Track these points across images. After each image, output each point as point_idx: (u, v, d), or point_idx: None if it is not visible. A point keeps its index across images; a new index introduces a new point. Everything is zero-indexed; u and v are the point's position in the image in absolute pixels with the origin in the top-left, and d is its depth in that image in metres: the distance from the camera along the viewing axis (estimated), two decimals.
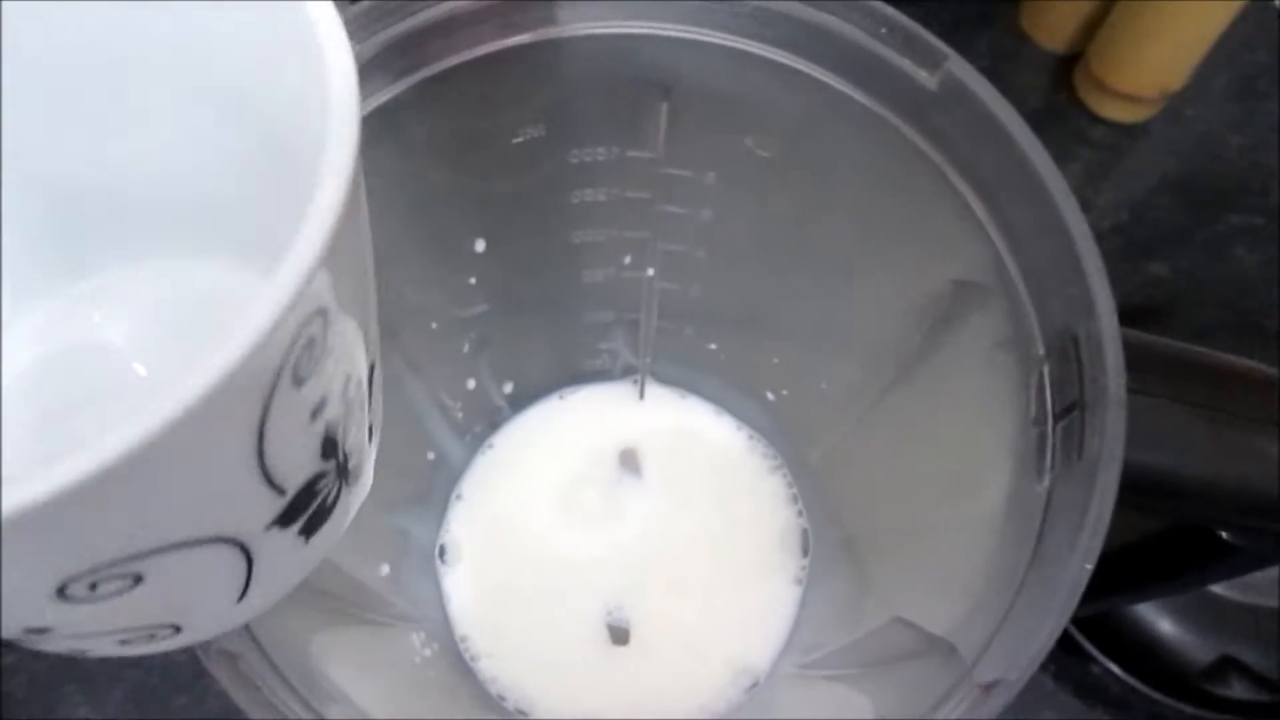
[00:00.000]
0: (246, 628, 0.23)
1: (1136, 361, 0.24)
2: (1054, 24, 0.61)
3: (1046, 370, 0.26)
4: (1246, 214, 0.57)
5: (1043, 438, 0.26)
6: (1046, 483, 0.25)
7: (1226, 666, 0.45)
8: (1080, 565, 0.21)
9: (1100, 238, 0.25)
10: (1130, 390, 0.23)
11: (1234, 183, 0.58)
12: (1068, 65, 0.61)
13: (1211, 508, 0.26)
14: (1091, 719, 0.48)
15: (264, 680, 0.22)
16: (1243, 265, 0.56)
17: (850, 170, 0.31)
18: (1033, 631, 0.22)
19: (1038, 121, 0.26)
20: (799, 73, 0.29)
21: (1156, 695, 0.46)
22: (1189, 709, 0.46)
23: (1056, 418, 0.25)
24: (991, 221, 0.28)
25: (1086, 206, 0.56)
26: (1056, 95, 0.61)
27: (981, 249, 0.28)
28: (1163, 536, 0.31)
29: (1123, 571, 0.23)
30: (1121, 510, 0.23)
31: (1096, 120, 0.60)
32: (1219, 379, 0.26)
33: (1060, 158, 0.26)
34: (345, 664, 0.29)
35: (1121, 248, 0.56)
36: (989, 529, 0.28)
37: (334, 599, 0.31)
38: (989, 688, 0.21)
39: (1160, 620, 0.47)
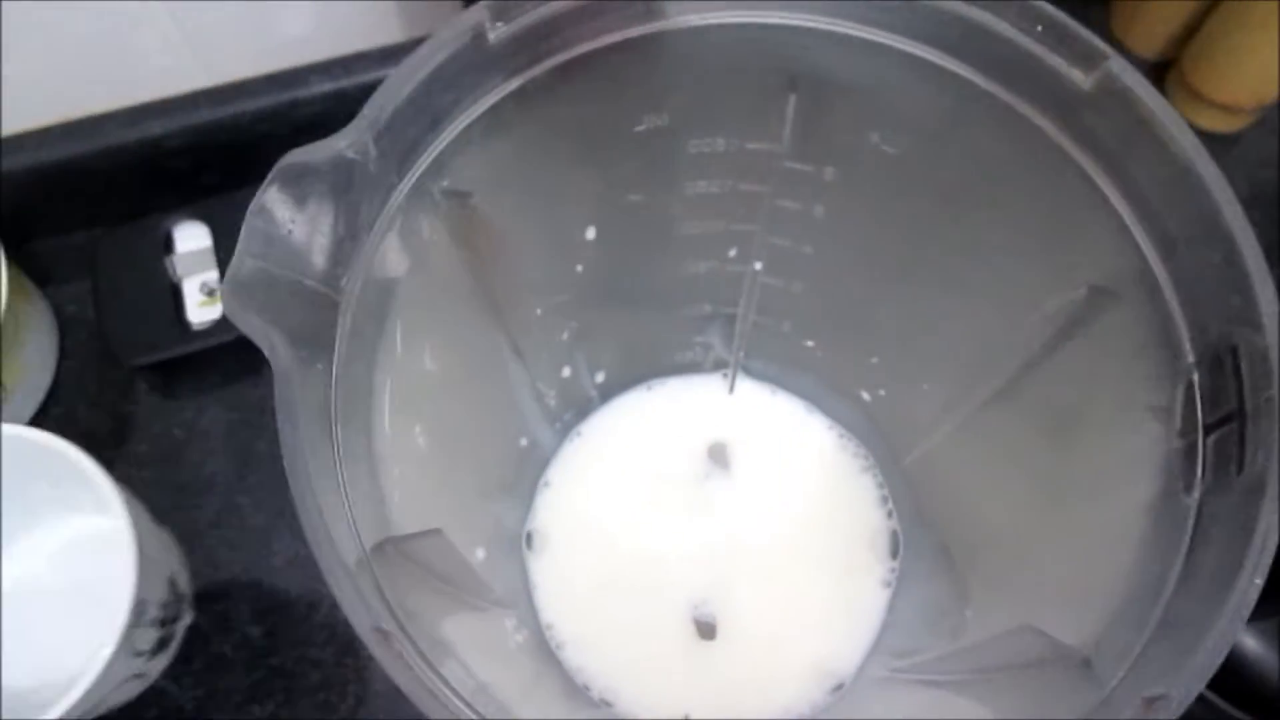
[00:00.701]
0: (385, 600, 0.23)
1: None
2: (1146, 30, 0.60)
3: (1196, 379, 0.26)
4: None
5: (1191, 449, 0.25)
6: (1196, 495, 0.25)
7: None
8: (1249, 580, 0.21)
9: None
10: None
11: None
12: (1159, 72, 0.60)
13: None
14: None
15: (414, 658, 0.22)
16: None
17: (983, 172, 0.31)
18: (1192, 646, 0.21)
19: None
20: (938, 68, 0.29)
21: (1239, 715, 0.45)
22: None
23: (1208, 429, 0.25)
24: (1139, 225, 0.27)
25: None
26: None
27: (1124, 255, 0.27)
28: None
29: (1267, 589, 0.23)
30: None
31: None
32: None
33: None
34: (457, 646, 0.29)
35: None
36: (1124, 542, 0.27)
37: (445, 583, 0.31)
38: (1152, 702, 0.21)
39: (1245, 637, 0.46)
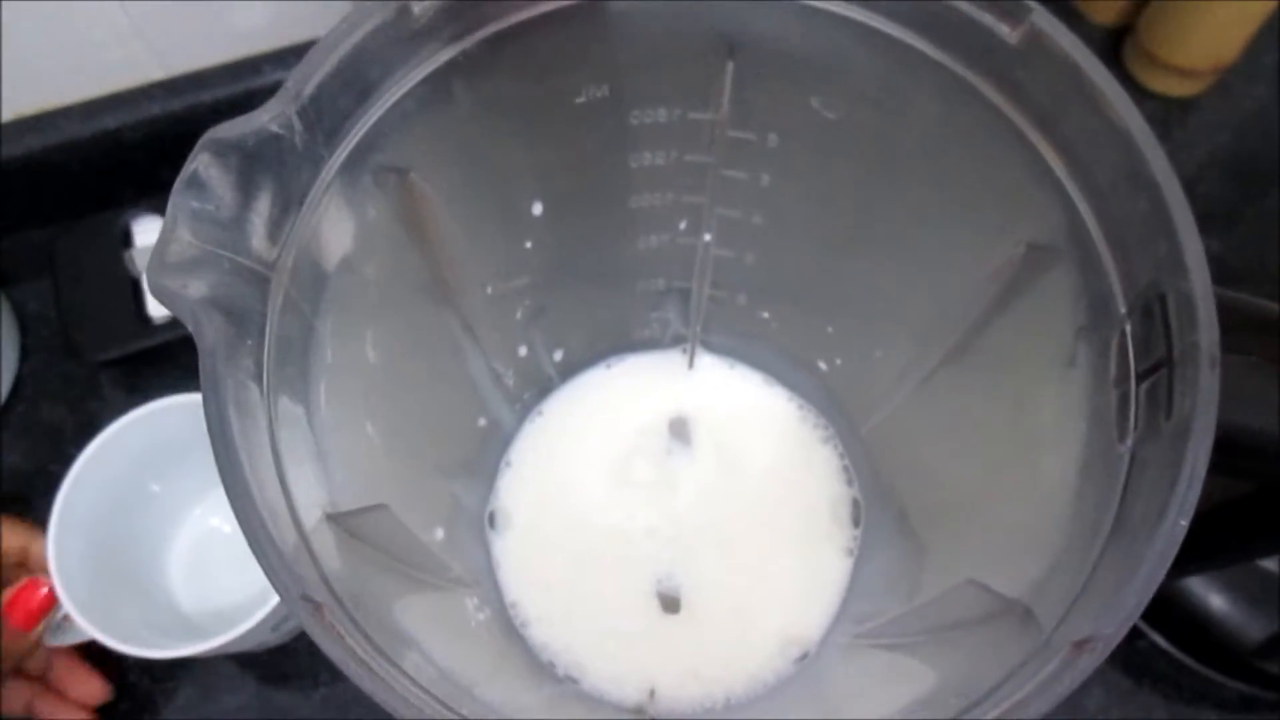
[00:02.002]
0: (323, 577, 0.23)
1: (1224, 320, 0.23)
2: None
3: (1128, 329, 0.26)
4: None
5: (1125, 398, 0.25)
6: (1129, 443, 0.25)
7: (1279, 643, 0.45)
8: (1175, 521, 0.21)
9: None
10: (1220, 350, 0.23)
11: None
12: (1117, 38, 0.60)
13: None
14: (1140, 695, 0.48)
15: (346, 629, 0.22)
16: None
17: (920, 131, 0.31)
18: (1123, 589, 0.22)
19: None
20: (873, 30, 0.29)
21: (1206, 672, 0.45)
22: (1240, 686, 0.45)
23: (1140, 377, 0.25)
24: (1071, 180, 0.27)
25: None
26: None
27: (1059, 209, 0.27)
28: (1244, 502, 0.31)
29: (1203, 537, 0.23)
30: (1209, 471, 0.22)
31: (1146, 94, 0.59)
32: None
33: None
34: (408, 623, 0.29)
35: None
36: (1062, 492, 0.27)
37: (396, 560, 0.31)
38: (1081, 645, 0.21)
39: (1211, 595, 0.46)
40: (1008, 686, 0.23)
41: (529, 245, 0.37)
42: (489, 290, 0.37)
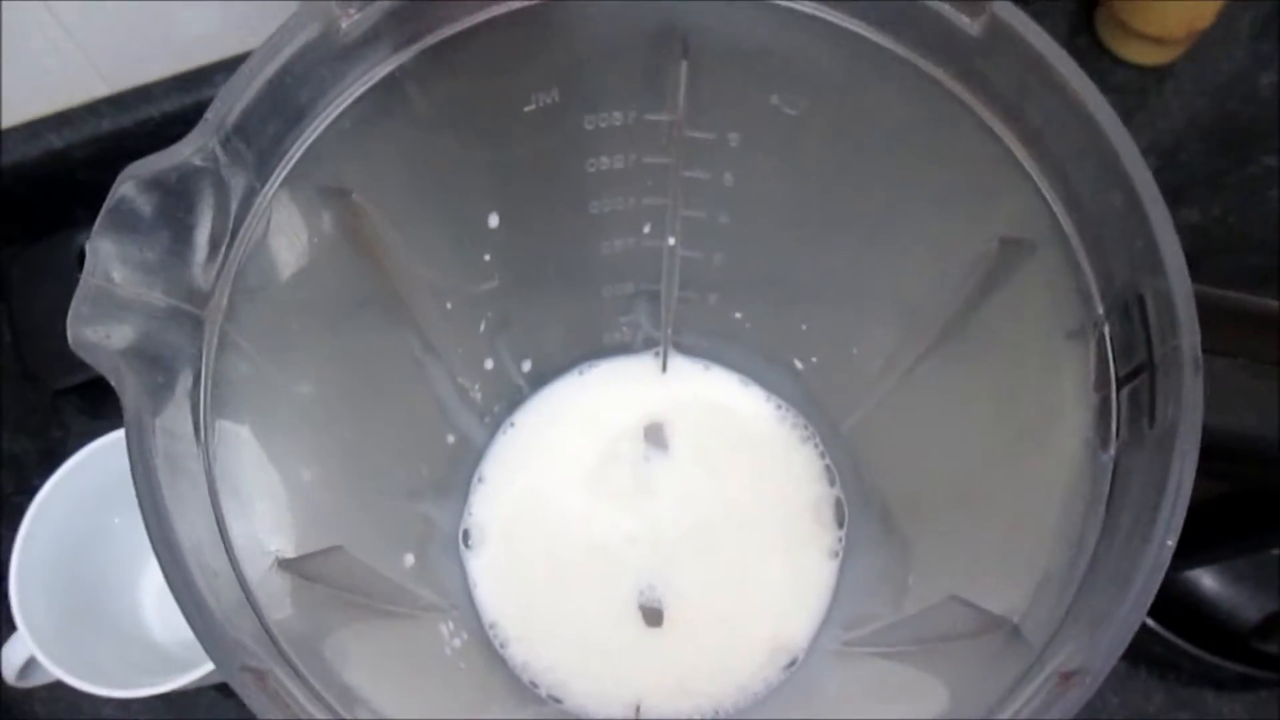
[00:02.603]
0: (268, 633, 0.22)
1: (1205, 318, 0.22)
2: None
3: (1107, 331, 0.25)
4: (1279, 154, 0.55)
5: (1106, 403, 0.24)
6: (1113, 451, 0.24)
7: (1276, 624, 0.44)
8: (1162, 542, 0.20)
9: None
10: (1203, 350, 0.22)
11: (1266, 123, 0.56)
12: (1089, 7, 0.59)
13: None
14: (1138, 680, 0.47)
15: (292, 694, 0.20)
16: (1276, 207, 0.55)
17: (884, 126, 0.30)
18: (1112, 614, 0.21)
19: None
20: (828, 23, 0.28)
21: (1204, 655, 0.45)
22: (1236, 667, 0.44)
23: (1121, 382, 0.24)
24: (1041, 173, 0.26)
25: None
26: (1077, 39, 0.59)
27: (1031, 203, 0.26)
28: (1230, 500, 0.30)
29: (1187, 537, 0.22)
30: (1196, 473, 0.21)
31: (1120, 64, 0.58)
32: None
33: None
34: (371, 663, 0.28)
35: None
36: (1047, 499, 0.26)
37: (359, 595, 0.30)
38: (1069, 677, 0.20)
39: (1205, 578, 0.46)
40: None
41: (488, 258, 0.36)
42: (448, 305, 0.36)
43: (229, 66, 0.53)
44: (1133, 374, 0.23)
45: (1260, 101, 0.57)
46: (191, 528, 0.21)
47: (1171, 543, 0.20)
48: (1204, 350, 0.22)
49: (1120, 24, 0.56)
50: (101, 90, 0.52)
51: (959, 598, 0.27)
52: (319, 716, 0.21)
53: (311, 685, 0.22)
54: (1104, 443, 0.24)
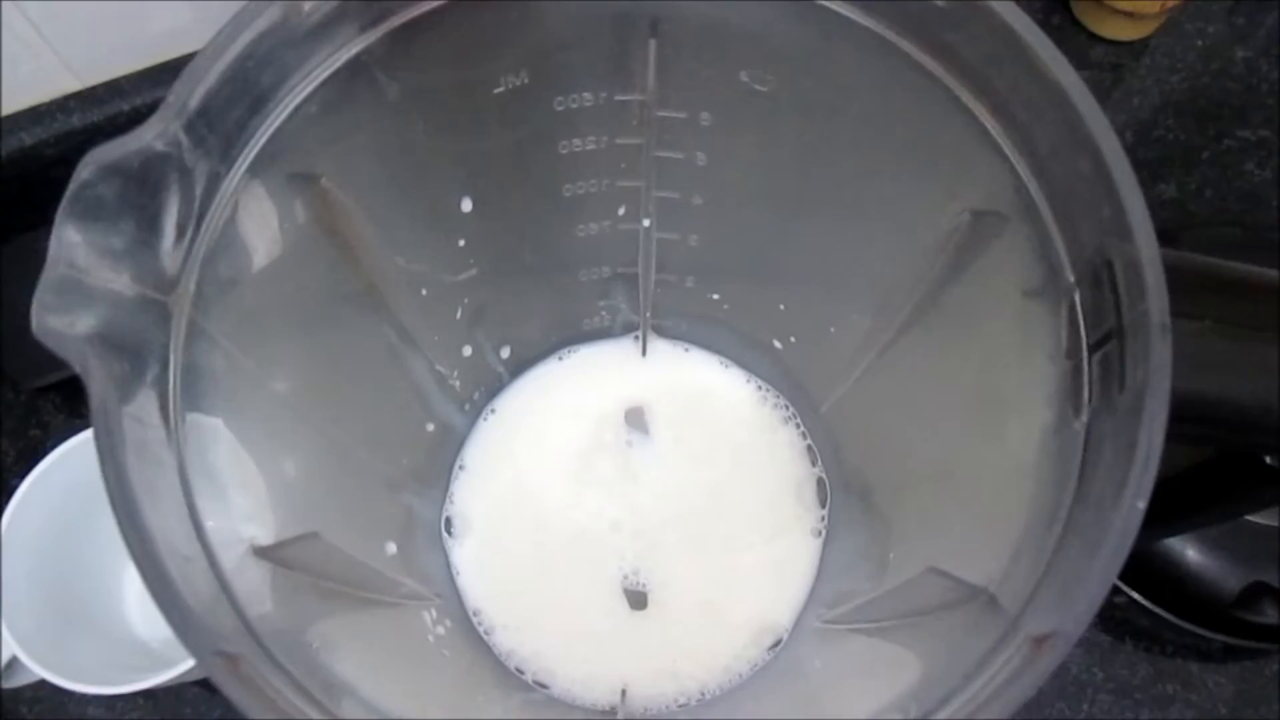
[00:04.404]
0: (245, 623, 0.22)
1: (1175, 283, 0.22)
2: None
3: (1078, 298, 0.25)
4: (1255, 128, 0.56)
5: (1078, 370, 0.24)
6: (1085, 418, 0.24)
7: (1258, 593, 0.44)
8: (1131, 504, 0.20)
9: None
10: (1172, 315, 0.22)
11: (1240, 97, 0.56)
12: None
13: (1263, 435, 0.25)
14: (1122, 652, 0.47)
15: (268, 681, 0.20)
16: (1253, 181, 0.55)
17: (855, 100, 0.30)
18: (1082, 578, 0.21)
19: None
20: None
21: (1186, 625, 0.45)
22: (1220, 637, 0.45)
23: (1092, 348, 0.24)
24: (1010, 144, 0.26)
25: None
26: (1052, 16, 0.59)
27: (1000, 174, 0.26)
28: (1205, 466, 0.30)
29: (1164, 504, 0.22)
30: (1167, 440, 0.21)
31: (1095, 40, 0.58)
32: (1265, 295, 0.24)
33: None
34: (353, 651, 0.28)
35: None
36: (1023, 469, 0.26)
37: (339, 583, 0.30)
38: (1041, 641, 0.20)
39: (1187, 549, 0.46)
40: (970, 688, 0.22)
41: (462, 243, 0.36)
42: (424, 292, 0.36)
43: None
44: (1103, 340, 0.23)
45: (1235, 75, 0.57)
46: (163, 515, 0.21)
47: (1141, 504, 0.20)
48: (1173, 314, 0.22)
49: (1095, 0, 0.56)
50: (72, 86, 0.51)
51: (937, 569, 0.27)
52: (294, 701, 0.20)
53: (287, 670, 0.21)
54: (1076, 410, 0.24)
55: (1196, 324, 0.23)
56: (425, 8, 0.28)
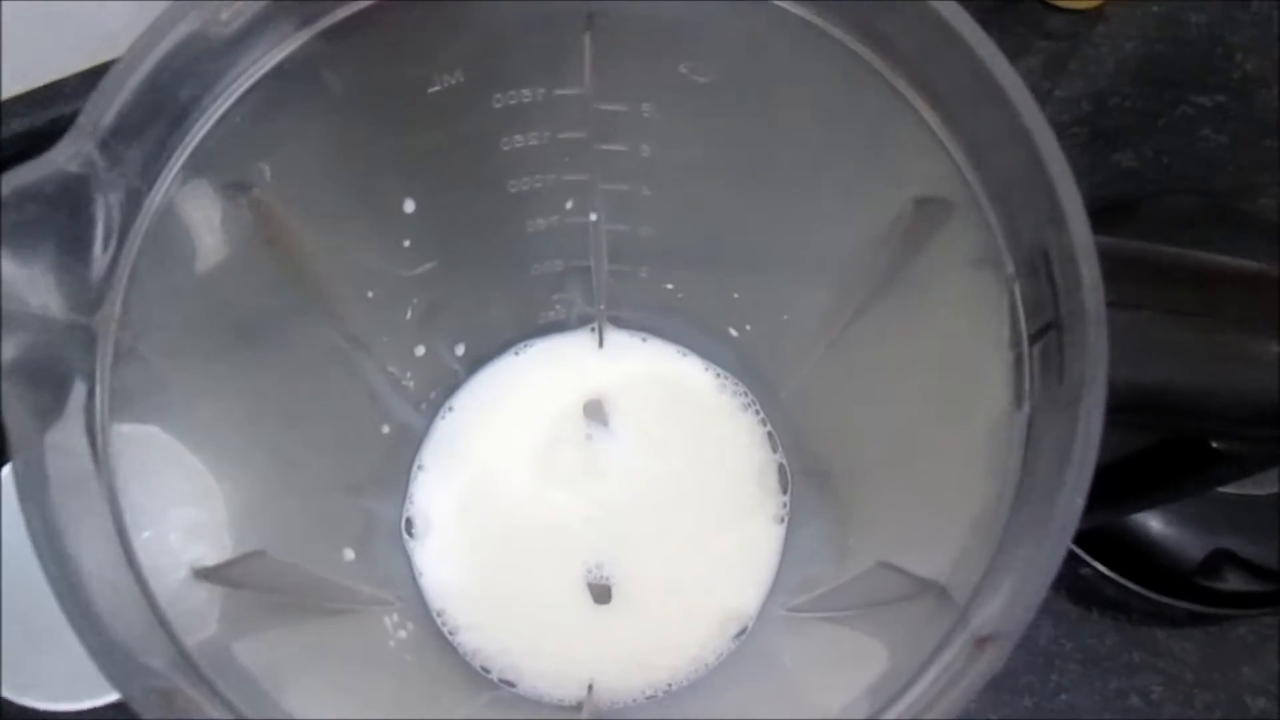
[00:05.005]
0: (183, 653, 0.22)
1: (1115, 271, 0.22)
2: None
3: (1018, 289, 0.24)
4: (1212, 93, 0.55)
5: (1019, 361, 0.24)
6: (1027, 409, 0.24)
7: (1220, 560, 0.44)
8: (1070, 500, 0.20)
9: (1062, 131, 0.23)
10: (1111, 304, 0.21)
11: (1197, 62, 0.56)
12: None
13: (1207, 420, 0.25)
14: (1090, 622, 0.48)
15: (206, 716, 0.20)
16: (1210, 146, 0.55)
17: (794, 91, 0.29)
18: (1025, 575, 0.21)
19: (991, 16, 0.24)
20: None
21: (1151, 594, 0.45)
22: (1185, 605, 0.45)
23: (1032, 339, 0.24)
24: (949, 133, 0.26)
25: (1046, 100, 0.54)
26: None
27: (940, 164, 0.26)
28: (1153, 450, 0.30)
29: (1114, 486, 0.22)
30: (1113, 427, 0.21)
31: (1052, 9, 0.57)
32: (1206, 281, 0.24)
33: (1017, 51, 0.23)
34: (310, 669, 0.28)
35: (1086, 140, 0.54)
36: (971, 460, 0.26)
37: (292, 595, 0.30)
38: (983, 642, 0.20)
39: (1151, 519, 0.46)
40: (921, 683, 0.22)
41: (407, 244, 0.35)
42: (370, 295, 0.35)
43: None
44: (1042, 331, 0.23)
45: (1190, 42, 0.56)
46: (90, 547, 0.21)
47: (1080, 501, 0.20)
48: (1112, 303, 0.22)
49: None
50: (15, 89, 0.50)
51: (887, 563, 0.27)
52: None
53: (228, 700, 0.21)
54: (1018, 402, 0.24)
55: (1134, 313, 0.23)
56: (351, 9, 0.27)
